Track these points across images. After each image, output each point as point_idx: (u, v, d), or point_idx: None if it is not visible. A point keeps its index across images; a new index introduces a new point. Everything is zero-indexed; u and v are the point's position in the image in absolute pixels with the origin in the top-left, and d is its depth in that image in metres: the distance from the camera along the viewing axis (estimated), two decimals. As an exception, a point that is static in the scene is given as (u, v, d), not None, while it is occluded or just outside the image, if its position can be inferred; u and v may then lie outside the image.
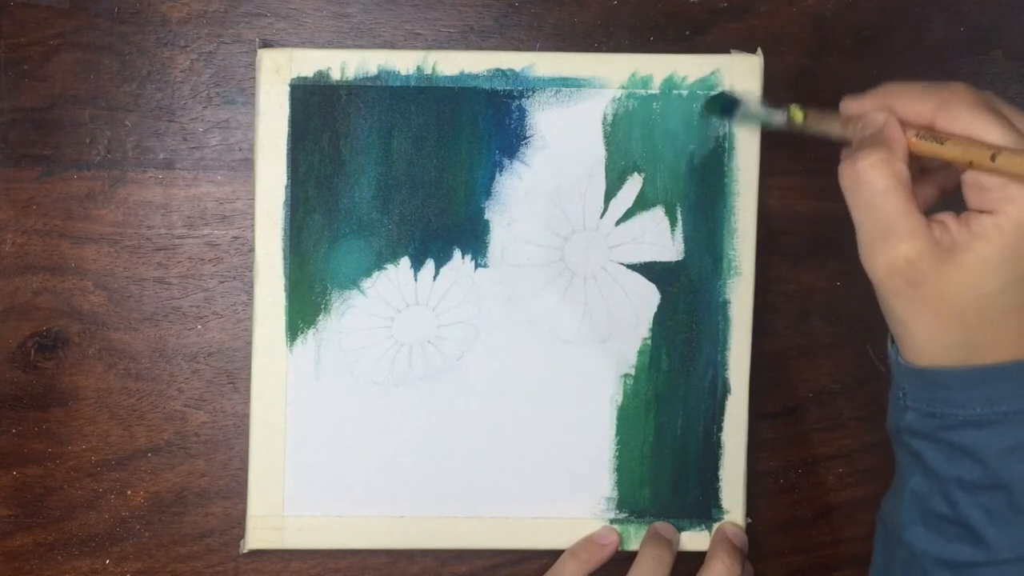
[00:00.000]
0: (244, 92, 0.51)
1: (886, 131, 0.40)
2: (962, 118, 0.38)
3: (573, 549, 0.50)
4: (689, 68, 0.50)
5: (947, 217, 0.39)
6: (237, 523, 0.52)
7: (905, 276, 0.39)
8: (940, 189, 0.43)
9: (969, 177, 0.38)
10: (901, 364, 0.41)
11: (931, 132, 0.39)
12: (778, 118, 0.45)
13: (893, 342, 0.42)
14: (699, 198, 0.50)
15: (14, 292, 0.51)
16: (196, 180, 0.51)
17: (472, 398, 0.50)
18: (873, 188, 0.39)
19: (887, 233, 0.39)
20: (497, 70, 0.49)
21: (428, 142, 0.50)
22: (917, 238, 0.38)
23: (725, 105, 0.48)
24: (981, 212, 0.38)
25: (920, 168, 0.42)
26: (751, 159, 0.50)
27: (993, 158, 0.37)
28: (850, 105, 0.42)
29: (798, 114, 0.44)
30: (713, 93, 0.49)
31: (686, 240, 0.50)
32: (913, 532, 0.41)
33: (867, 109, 0.41)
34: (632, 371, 0.51)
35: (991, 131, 0.38)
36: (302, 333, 0.50)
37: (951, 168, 0.41)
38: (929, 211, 0.40)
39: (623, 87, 0.50)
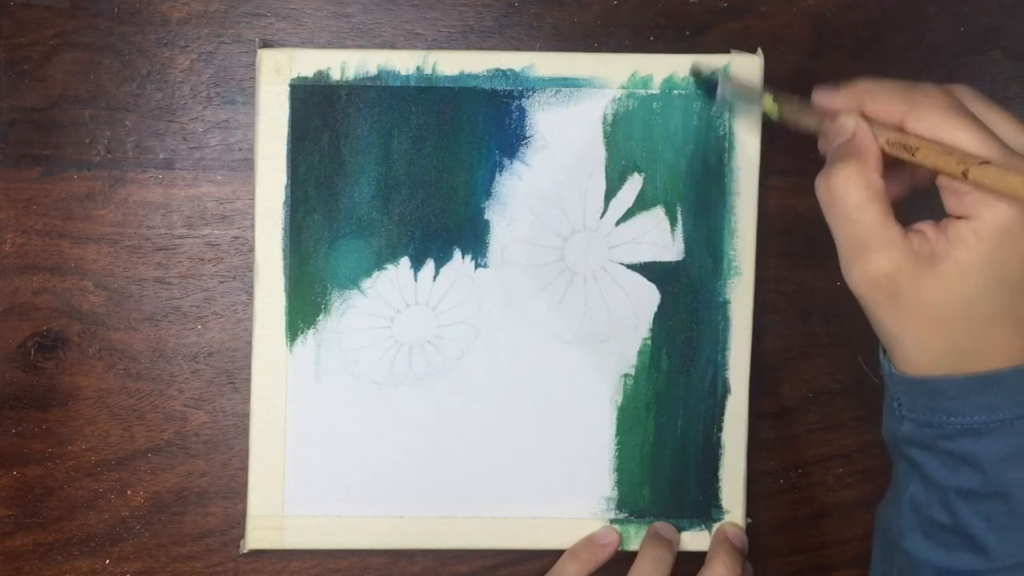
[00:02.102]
0: (244, 92, 0.51)
1: (858, 140, 0.40)
2: (931, 122, 0.38)
3: (573, 549, 0.50)
4: (689, 68, 0.49)
5: (925, 226, 0.39)
6: (237, 523, 0.52)
7: (885, 289, 0.39)
8: (914, 183, 0.43)
9: (944, 181, 0.38)
10: (894, 375, 0.41)
11: (902, 144, 0.39)
12: (756, 107, 0.45)
13: (884, 352, 0.42)
14: (699, 198, 0.50)
15: (14, 292, 0.51)
16: (196, 180, 0.51)
17: (472, 398, 0.50)
18: (848, 202, 0.39)
19: (864, 246, 0.39)
20: (497, 70, 0.49)
21: (428, 142, 0.50)
22: (894, 250, 0.38)
23: (708, 85, 0.48)
24: (959, 218, 0.38)
25: (894, 161, 0.42)
26: (751, 159, 0.50)
27: (965, 174, 0.37)
28: (822, 98, 0.42)
29: (773, 107, 0.44)
30: (706, 72, 0.49)
31: (686, 240, 0.50)
32: (912, 541, 0.41)
33: (839, 105, 0.41)
34: (632, 371, 0.51)
35: (959, 136, 0.38)
36: (302, 333, 0.50)
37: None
38: (907, 205, 0.40)
39: (623, 87, 0.50)
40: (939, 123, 0.38)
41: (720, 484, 0.51)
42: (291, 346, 0.50)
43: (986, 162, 0.37)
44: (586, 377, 0.51)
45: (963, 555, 0.40)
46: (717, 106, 0.48)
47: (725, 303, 0.50)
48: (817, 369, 0.53)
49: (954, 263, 0.38)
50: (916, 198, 0.43)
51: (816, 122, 0.42)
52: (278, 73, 0.49)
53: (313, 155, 0.49)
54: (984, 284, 0.38)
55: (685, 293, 0.50)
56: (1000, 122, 0.39)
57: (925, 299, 0.38)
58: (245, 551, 0.50)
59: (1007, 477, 0.39)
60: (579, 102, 0.50)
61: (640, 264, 0.50)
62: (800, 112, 0.43)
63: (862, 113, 0.41)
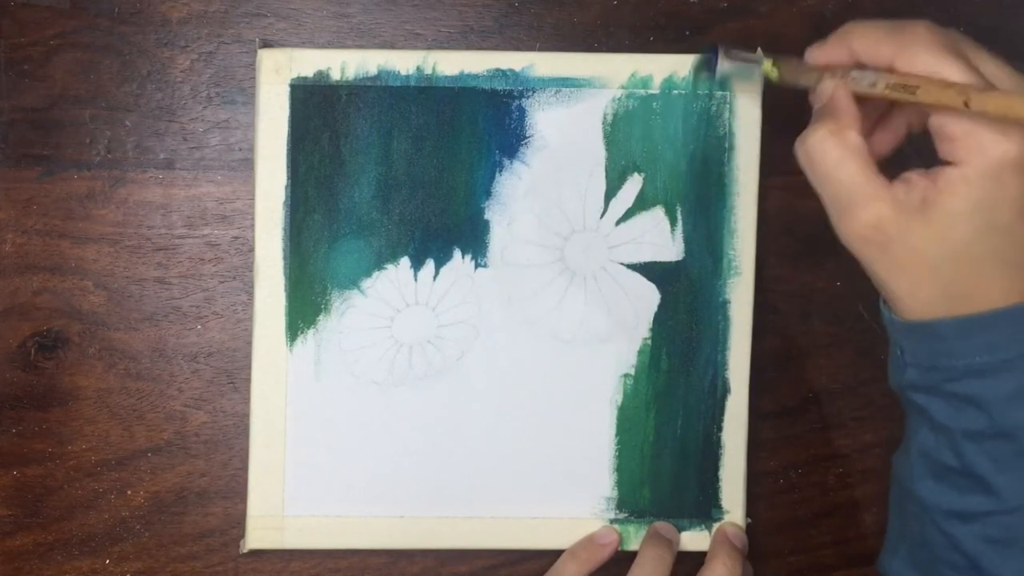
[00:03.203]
0: (244, 92, 0.51)
1: (834, 102, 0.40)
2: (922, 60, 0.39)
3: (573, 549, 0.50)
4: (689, 68, 0.50)
5: (912, 174, 0.39)
6: (237, 523, 0.52)
7: (874, 241, 0.39)
8: (907, 128, 0.43)
9: (936, 126, 0.38)
10: (895, 321, 0.41)
11: (903, 85, 0.39)
12: (755, 74, 0.45)
13: (885, 302, 0.42)
14: (699, 198, 0.50)
15: (14, 292, 0.51)
16: (196, 180, 0.51)
17: (472, 398, 0.50)
18: (826, 161, 0.39)
19: (849, 203, 0.39)
20: (497, 70, 0.50)
21: (428, 142, 0.50)
22: (878, 202, 0.38)
23: (707, 62, 0.48)
24: (947, 165, 0.38)
25: (884, 111, 0.43)
26: (751, 159, 0.50)
27: (967, 104, 0.37)
28: (815, 55, 0.42)
29: (772, 70, 0.44)
30: (703, 55, 0.48)
31: (686, 240, 0.50)
32: (923, 486, 0.42)
33: (830, 56, 0.42)
34: (632, 371, 0.51)
35: (950, 74, 0.38)
36: (302, 333, 0.50)
37: (916, 108, 0.41)
38: (899, 153, 0.41)
39: (623, 87, 0.50)
40: (929, 61, 0.38)
41: (720, 484, 0.51)
42: (291, 346, 0.50)
43: (988, 89, 0.37)
44: (586, 377, 0.51)
45: (973, 497, 0.40)
46: (719, 79, 0.47)
47: (725, 303, 0.50)
48: (817, 369, 0.53)
49: (943, 209, 0.38)
50: (909, 156, 0.43)
51: (815, 79, 0.42)
52: (278, 73, 0.49)
53: (313, 155, 0.49)
54: (974, 229, 0.38)
55: (685, 293, 0.50)
56: (982, 59, 0.40)
57: (915, 247, 0.38)
58: (245, 551, 0.50)
59: (1012, 416, 0.39)
60: (579, 102, 0.50)
61: (640, 264, 0.50)
62: (799, 71, 0.43)
63: (855, 60, 0.41)
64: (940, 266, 0.39)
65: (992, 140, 0.37)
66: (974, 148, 0.37)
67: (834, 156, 0.39)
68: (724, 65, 0.46)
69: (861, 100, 0.41)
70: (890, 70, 0.40)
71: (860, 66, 0.41)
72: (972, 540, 0.40)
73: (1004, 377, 0.39)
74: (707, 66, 0.48)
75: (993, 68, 0.39)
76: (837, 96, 0.40)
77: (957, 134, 0.38)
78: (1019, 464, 0.39)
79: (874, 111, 0.43)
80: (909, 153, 0.52)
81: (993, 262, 0.38)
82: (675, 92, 0.50)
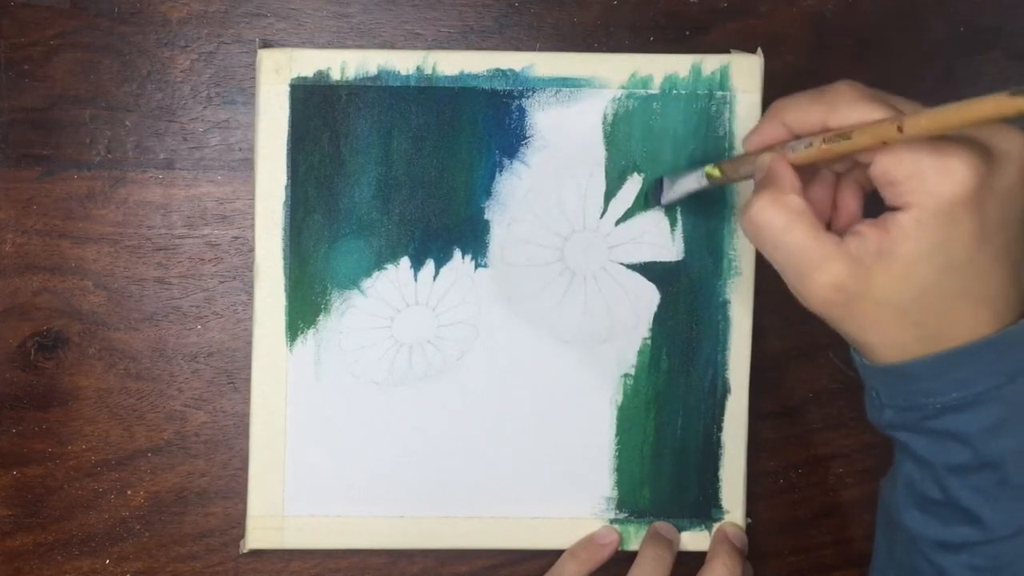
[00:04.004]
0: (244, 92, 0.51)
1: (772, 171, 0.40)
2: (851, 113, 0.38)
3: (573, 549, 0.50)
4: (689, 68, 0.50)
5: (862, 227, 0.38)
6: (237, 523, 0.52)
7: (836, 301, 0.39)
8: (862, 188, 0.42)
9: (879, 174, 0.37)
10: (867, 366, 0.41)
11: (838, 136, 0.38)
12: (701, 181, 0.46)
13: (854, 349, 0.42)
14: (699, 198, 0.50)
15: (14, 292, 0.51)
16: (196, 180, 0.51)
17: (472, 398, 0.50)
18: (772, 228, 0.39)
19: (803, 267, 0.39)
20: (497, 70, 0.50)
21: (428, 142, 0.50)
22: (832, 263, 0.38)
23: (652, 191, 0.50)
24: (896, 211, 0.37)
25: (835, 176, 0.42)
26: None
27: (900, 129, 0.36)
28: (750, 141, 0.42)
29: (714, 171, 0.45)
30: (645, 190, 0.50)
31: (686, 240, 0.50)
32: (910, 516, 0.42)
33: (765, 137, 0.41)
34: (632, 371, 0.51)
35: (879, 116, 0.37)
36: (302, 333, 0.50)
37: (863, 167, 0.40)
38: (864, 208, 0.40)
39: (623, 87, 0.50)
40: (858, 111, 0.38)
41: (720, 484, 0.51)
42: (291, 346, 0.50)
43: (917, 111, 0.36)
44: (586, 377, 0.51)
45: (960, 528, 0.40)
46: (666, 203, 0.49)
47: (725, 303, 0.50)
48: (817, 369, 0.53)
49: (900, 257, 0.37)
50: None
51: (752, 164, 0.42)
52: (278, 73, 0.49)
53: (313, 155, 0.49)
54: (934, 270, 0.37)
55: (685, 293, 0.50)
56: (904, 105, 0.39)
57: (878, 298, 0.38)
58: (245, 551, 0.50)
59: (994, 447, 0.39)
60: (579, 102, 0.50)
61: (640, 264, 0.50)
62: (740, 164, 0.43)
63: (790, 135, 0.41)
64: (907, 311, 0.38)
65: (938, 180, 0.36)
66: (920, 190, 0.36)
67: (779, 222, 0.39)
68: (669, 193, 0.48)
69: (806, 174, 0.40)
70: (824, 131, 0.39)
71: (796, 138, 0.40)
72: (960, 569, 0.40)
73: (981, 410, 0.38)
74: (652, 197, 0.49)
75: (915, 110, 0.38)
76: (774, 165, 0.40)
77: (900, 177, 0.37)
78: (1003, 494, 0.39)
79: (824, 191, 0.42)
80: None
81: (958, 299, 0.38)
82: (675, 92, 0.50)
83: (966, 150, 0.36)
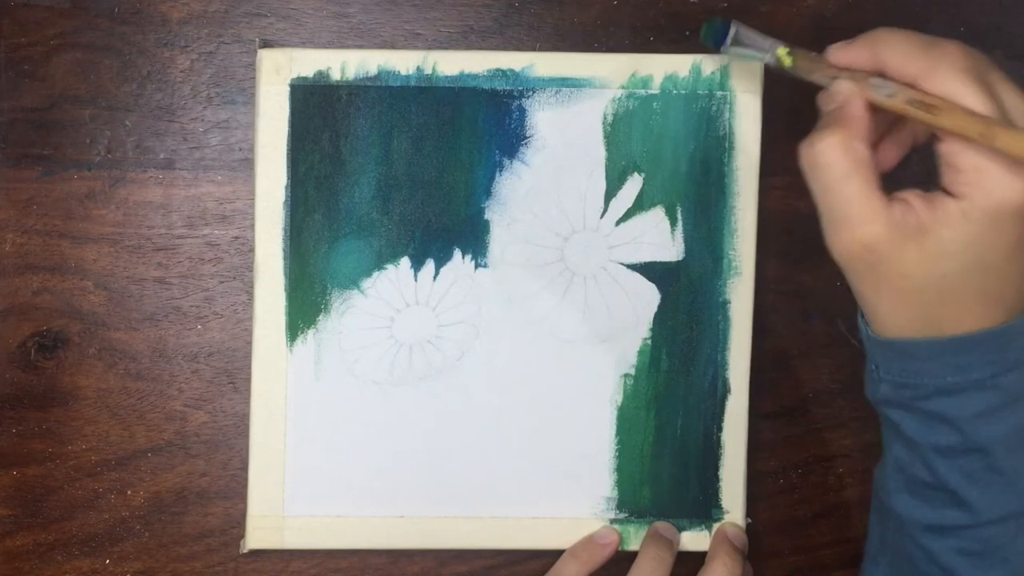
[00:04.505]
0: (244, 92, 0.51)
1: (847, 109, 0.39)
2: (946, 85, 0.38)
3: (573, 549, 0.50)
4: (690, 68, 0.50)
5: (912, 196, 0.38)
6: (237, 523, 0.52)
7: (864, 259, 0.39)
8: (912, 143, 0.42)
9: (945, 154, 0.38)
10: (871, 337, 0.41)
11: (923, 103, 0.38)
12: (767, 58, 0.44)
13: (863, 316, 0.42)
14: (699, 198, 0.50)
15: (14, 292, 0.51)
16: (196, 180, 0.51)
17: (472, 398, 0.50)
18: (830, 172, 0.38)
19: (845, 218, 0.38)
20: (497, 70, 0.49)
21: (428, 142, 0.50)
22: (875, 224, 0.38)
23: (717, 32, 0.46)
24: (948, 195, 0.38)
25: (892, 122, 0.42)
26: (751, 159, 0.50)
27: (987, 137, 0.36)
28: (838, 54, 0.41)
29: (786, 58, 0.43)
30: (711, 21, 0.46)
31: (686, 240, 0.50)
32: (899, 500, 0.42)
33: (854, 60, 0.40)
34: (632, 371, 0.51)
35: (972, 102, 0.37)
36: (302, 333, 0.50)
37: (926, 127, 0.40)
38: (900, 166, 0.40)
39: (623, 87, 0.50)
40: (953, 85, 0.37)
41: (720, 484, 0.51)
42: (291, 346, 0.50)
43: (1010, 127, 0.36)
44: (586, 377, 0.51)
45: (948, 511, 0.40)
46: (724, 50, 0.45)
47: (725, 303, 0.50)
48: (817, 369, 0.53)
49: (937, 240, 0.37)
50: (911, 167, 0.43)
51: (830, 78, 0.41)
52: (278, 73, 0.49)
53: (313, 155, 0.49)
54: (964, 263, 0.38)
55: (685, 293, 0.50)
56: (1005, 89, 0.39)
57: (903, 271, 0.38)
58: (245, 551, 0.50)
59: (982, 432, 0.39)
60: (579, 102, 0.50)
61: (640, 264, 0.50)
62: (814, 64, 0.42)
63: (878, 67, 0.40)
64: (924, 292, 0.38)
65: (999, 182, 0.36)
66: (980, 186, 0.37)
67: (840, 168, 0.38)
68: (734, 34, 0.44)
69: (872, 109, 0.40)
70: (911, 85, 0.39)
71: (879, 74, 0.40)
72: (949, 553, 0.41)
73: (974, 395, 0.39)
74: (714, 37, 0.45)
75: (1015, 101, 0.38)
76: (854, 104, 0.39)
77: (966, 167, 0.37)
78: (991, 478, 0.39)
79: (882, 121, 0.42)
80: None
81: (976, 295, 0.38)
82: (675, 92, 0.50)
83: None
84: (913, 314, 0.39)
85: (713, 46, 0.45)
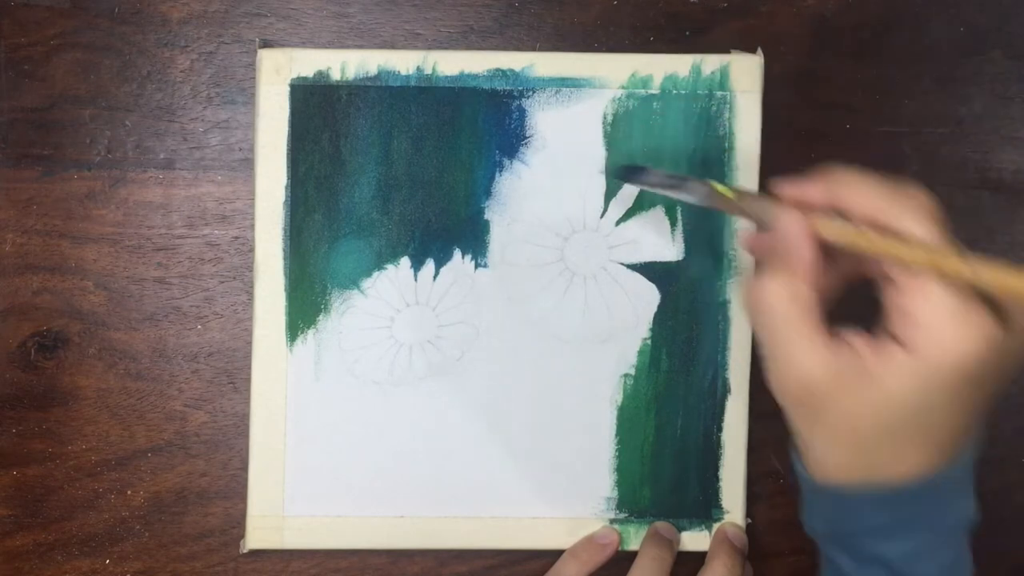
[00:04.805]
0: (244, 92, 0.51)
1: (795, 248, 0.38)
2: (917, 225, 0.36)
3: (573, 549, 0.50)
4: (690, 68, 0.50)
5: (858, 340, 0.37)
6: (237, 523, 0.52)
7: (804, 401, 0.38)
8: (857, 276, 0.40)
9: (899, 305, 0.36)
10: (806, 478, 0.41)
11: (892, 232, 0.36)
12: (696, 193, 0.42)
13: (797, 451, 0.41)
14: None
15: (14, 292, 0.51)
16: (196, 180, 0.51)
17: (472, 398, 0.50)
18: (774, 315, 0.38)
19: (787, 359, 0.38)
20: (497, 70, 0.50)
21: (428, 142, 0.50)
22: (817, 368, 0.37)
23: (628, 171, 0.47)
24: (897, 344, 0.36)
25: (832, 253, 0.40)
26: (751, 159, 0.50)
27: (966, 269, 0.34)
28: (787, 190, 0.39)
29: (728, 192, 0.41)
30: (624, 164, 0.49)
31: (686, 240, 0.50)
32: None
33: (805, 194, 0.39)
34: (632, 371, 0.51)
35: (938, 242, 0.36)
36: (302, 333, 0.50)
37: (863, 258, 0.38)
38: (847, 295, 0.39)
39: (623, 87, 0.50)
40: (927, 227, 0.36)
41: (720, 484, 0.51)
42: (291, 346, 0.50)
43: (985, 262, 0.34)
44: (586, 377, 0.51)
45: None
46: (632, 185, 0.47)
47: (725, 303, 0.50)
48: (817, 369, 0.53)
49: (882, 390, 0.36)
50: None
51: (772, 214, 0.39)
52: (278, 73, 0.49)
53: (313, 155, 0.49)
54: (907, 411, 0.36)
55: (685, 293, 0.50)
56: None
57: (843, 414, 0.37)
58: (245, 551, 0.50)
59: (916, 572, 0.38)
60: (579, 102, 0.50)
61: (640, 264, 0.50)
62: (758, 202, 0.40)
63: (835, 204, 0.38)
64: (863, 437, 0.37)
65: (954, 338, 0.35)
66: (934, 342, 0.35)
67: (783, 311, 0.37)
68: (644, 183, 0.45)
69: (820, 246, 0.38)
70: (871, 224, 0.37)
71: (831, 213, 0.38)
72: None
73: (906, 536, 0.38)
74: (620, 174, 0.47)
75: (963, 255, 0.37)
76: (800, 243, 0.38)
77: (923, 320, 0.35)
78: None
79: (828, 255, 0.39)
80: (909, 152, 0.52)
81: (914, 441, 0.37)
82: (675, 92, 0.50)
83: (990, 324, 0.35)
84: (849, 456, 0.38)
85: (618, 178, 0.48)
